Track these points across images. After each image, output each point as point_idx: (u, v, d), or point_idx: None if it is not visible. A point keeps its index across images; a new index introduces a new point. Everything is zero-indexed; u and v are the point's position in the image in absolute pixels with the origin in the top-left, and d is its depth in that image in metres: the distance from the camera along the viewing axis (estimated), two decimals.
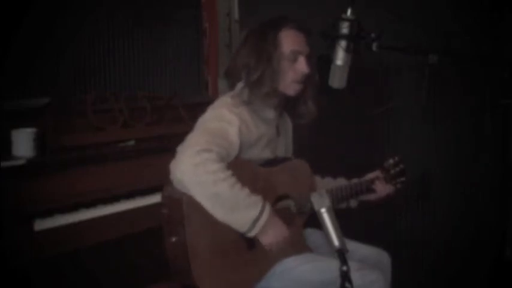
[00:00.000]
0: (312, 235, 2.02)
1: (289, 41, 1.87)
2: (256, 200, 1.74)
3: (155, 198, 2.17)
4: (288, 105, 2.00)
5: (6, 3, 2.35)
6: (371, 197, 2.14)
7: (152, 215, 1.98)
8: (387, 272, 1.94)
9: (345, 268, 1.34)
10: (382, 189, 2.12)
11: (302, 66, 1.87)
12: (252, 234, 1.74)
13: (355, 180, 2.12)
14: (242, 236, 1.77)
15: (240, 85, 1.92)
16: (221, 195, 1.68)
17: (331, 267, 1.63)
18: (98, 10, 2.76)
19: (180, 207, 1.72)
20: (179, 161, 1.71)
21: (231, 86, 1.95)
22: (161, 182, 1.83)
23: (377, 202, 2.17)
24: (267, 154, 1.95)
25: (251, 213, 1.71)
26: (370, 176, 2.15)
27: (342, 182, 2.15)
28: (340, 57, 1.84)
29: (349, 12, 1.82)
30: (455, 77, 2.48)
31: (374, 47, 1.82)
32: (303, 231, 1.99)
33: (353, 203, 2.18)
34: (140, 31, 2.96)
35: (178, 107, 2.63)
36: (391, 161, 2.19)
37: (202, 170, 1.66)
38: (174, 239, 1.74)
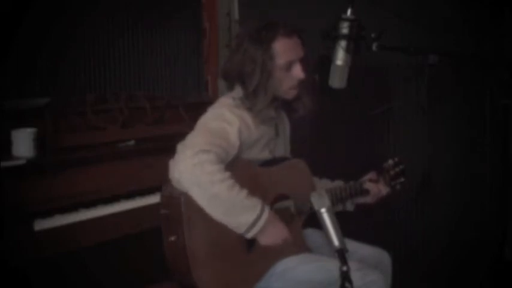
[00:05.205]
0: (312, 235, 2.02)
1: (283, 52, 1.84)
2: (255, 203, 1.73)
3: (155, 198, 2.17)
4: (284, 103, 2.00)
5: (6, 3, 2.35)
6: (367, 199, 2.14)
7: (152, 215, 1.98)
8: (387, 272, 1.94)
9: (345, 268, 1.34)
10: (376, 190, 2.12)
11: (298, 73, 1.87)
12: (249, 236, 1.74)
13: (351, 183, 2.12)
14: (241, 236, 1.77)
15: (239, 88, 1.91)
16: (219, 197, 1.68)
17: (331, 267, 1.63)
18: (98, 10, 2.75)
19: (179, 207, 1.71)
20: (178, 160, 1.71)
21: (230, 87, 1.95)
22: (161, 182, 1.83)
23: (373, 204, 2.16)
24: (265, 154, 1.95)
25: (248, 217, 1.71)
26: (365, 178, 2.15)
27: (339, 184, 2.14)
28: (340, 57, 1.85)
29: (349, 12, 1.82)
30: (455, 77, 2.48)
31: (374, 47, 1.82)
32: (303, 231, 1.98)
33: (349, 206, 2.18)
34: (140, 31, 2.95)
35: (178, 107, 2.63)
36: (390, 161, 2.19)
37: (200, 171, 1.66)
38: (173, 239, 1.74)
